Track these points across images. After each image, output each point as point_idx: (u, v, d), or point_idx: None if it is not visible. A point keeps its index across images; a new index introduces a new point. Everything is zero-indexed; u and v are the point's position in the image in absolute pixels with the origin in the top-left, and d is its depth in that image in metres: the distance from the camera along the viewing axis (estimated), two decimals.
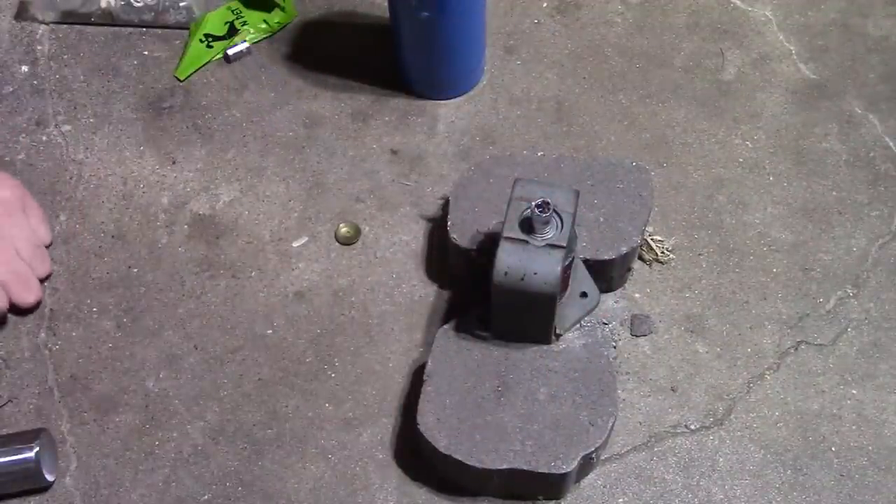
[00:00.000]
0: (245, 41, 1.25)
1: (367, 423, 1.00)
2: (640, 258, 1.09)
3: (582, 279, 1.01)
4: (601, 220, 1.03)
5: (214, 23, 1.26)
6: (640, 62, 1.24)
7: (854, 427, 0.99)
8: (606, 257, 1.01)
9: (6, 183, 1.07)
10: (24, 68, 1.25)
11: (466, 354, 0.97)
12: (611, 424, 0.93)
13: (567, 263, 0.92)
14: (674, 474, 0.97)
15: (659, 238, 1.10)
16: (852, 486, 0.96)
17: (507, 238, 0.91)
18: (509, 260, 0.90)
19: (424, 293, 1.08)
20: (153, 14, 1.27)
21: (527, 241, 0.91)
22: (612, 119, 1.19)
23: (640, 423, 1.00)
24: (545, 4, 1.30)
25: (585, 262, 1.01)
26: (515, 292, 0.90)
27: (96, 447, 0.99)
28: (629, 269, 1.06)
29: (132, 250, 1.11)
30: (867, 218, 1.12)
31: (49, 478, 0.96)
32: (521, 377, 0.95)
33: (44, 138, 1.19)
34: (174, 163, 1.17)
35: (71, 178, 1.16)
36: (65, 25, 1.28)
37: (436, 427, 0.92)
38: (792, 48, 1.25)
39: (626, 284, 1.07)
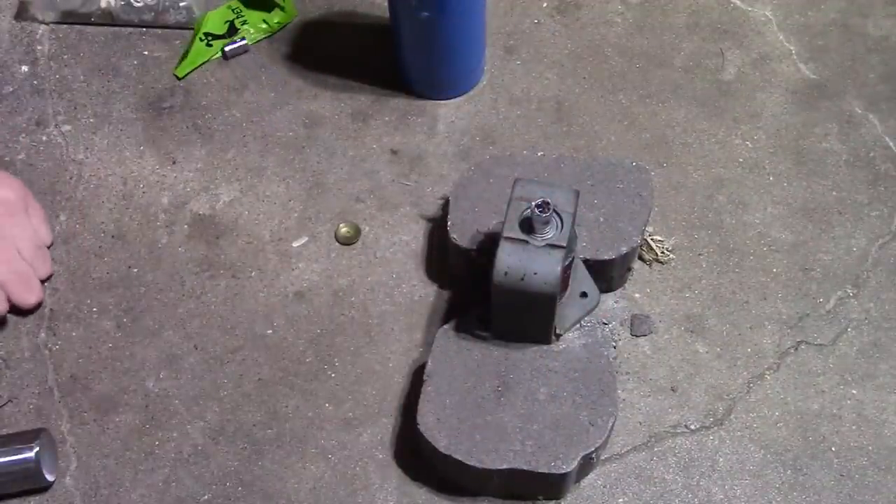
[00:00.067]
0: (243, 38, 1.25)
1: (367, 423, 1.00)
2: (640, 258, 1.09)
3: (582, 279, 1.01)
4: (601, 220, 1.03)
5: (215, 22, 1.26)
6: (640, 62, 1.24)
7: (854, 427, 0.99)
8: (606, 257, 1.01)
9: (8, 183, 1.07)
10: (24, 68, 1.25)
11: (466, 354, 0.97)
12: (611, 424, 0.93)
13: (567, 263, 0.92)
14: (674, 474, 0.97)
15: (659, 238, 1.10)
16: (852, 486, 0.96)
17: (507, 238, 0.91)
18: (509, 260, 0.90)
19: (424, 293, 1.08)
20: (153, 14, 1.27)
21: (527, 241, 0.91)
22: (612, 119, 1.19)
23: (640, 423, 1.00)
24: (545, 4, 1.30)
25: (585, 262, 1.01)
26: (515, 292, 0.90)
27: (96, 447, 0.99)
28: (629, 269, 1.06)
29: (132, 250, 1.11)
30: (867, 218, 1.12)
31: (49, 478, 0.96)
32: (521, 377, 0.95)
33: (44, 138, 1.19)
34: (174, 163, 1.17)
35: (71, 178, 1.16)
36: (65, 25, 1.28)
37: (436, 427, 0.92)
38: (792, 48, 1.25)
39: (626, 284, 1.07)
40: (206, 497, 0.97)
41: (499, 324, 0.96)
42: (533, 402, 0.93)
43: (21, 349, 1.05)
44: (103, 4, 1.27)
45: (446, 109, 1.21)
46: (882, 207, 1.12)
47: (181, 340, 1.05)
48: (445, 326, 0.99)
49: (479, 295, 0.97)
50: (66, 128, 1.20)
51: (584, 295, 1.00)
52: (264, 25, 1.27)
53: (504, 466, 0.90)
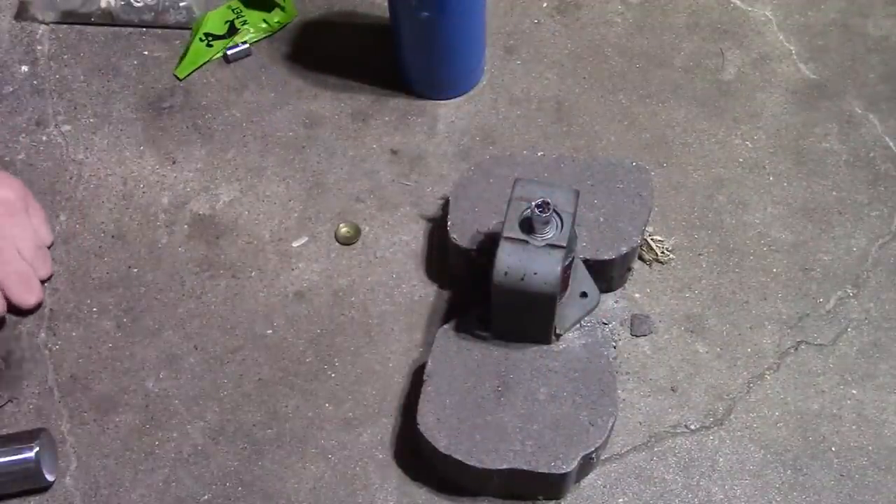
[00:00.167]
0: (245, 42, 1.25)
1: (367, 423, 1.00)
2: (640, 258, 1.09)
3: (582, 279, 1.01)
4: (601, 220, 1.03)
5: (215, 22, 1.26)
6: (640, 62, 1.24)
7: (854, 427, 0.99)
8: (606, 257, 1.01)
9: (8, 183, 1.07)
10: (24, 68, 1.25)
11: (466, 354, 0.97)
12: (611, 424, 0.93)
13: (567, 263, 0.92)
14: (674, 474, 0.97)
15: (659, 238, 1.10)
16: (852, 486, 0.96)
17: (507, 238, 0.91)
18: (509, 260, 0.90)
19: (424, 293, 1.08)
20: (153, 14, 1.27)
21: (527, 241, 0.91)
22: (612, 119, 1.19)
23: (640, 423, 1.00)
24: (545, 4, 1.30)
25: (585, 262, 1.01)
26: (515, 292, 0.90)
27: (96, 447, 0.99)
28: (629, 269, 1.06)
29: (132, 250, 1.11)
30: (867, 218, 1.12)
31: (49, 478, 0.96)
32: (521, 377, 0.95)
33: (44, 138, 1.19)
34: (174, 163, 1.17)
35: (71, 178, 1.16)
36: (65, 25, 1.28)
37: (436, 427, 0.92)
38: (792, 48, 1.25)
39: (626, 284, 1.07)
40: (206, 497, 0.97)
41: (499, 324, 0.96)
42: (533, 402, 0.93)
43: (21, 349, 1.05)
44: (103, 4, 1.27)
45: (446, 109, 1.21)
46: (882, 207, 1.12)
47: (181, 340, 1.05)
48: (445, 326, 0.99)
49: (479, 295, 0.97)
50: (66, 128, 1.20)
51: (584, 295, 1.00)
52: (264, 25, 1.27)
53: (504, 466, 0.90)
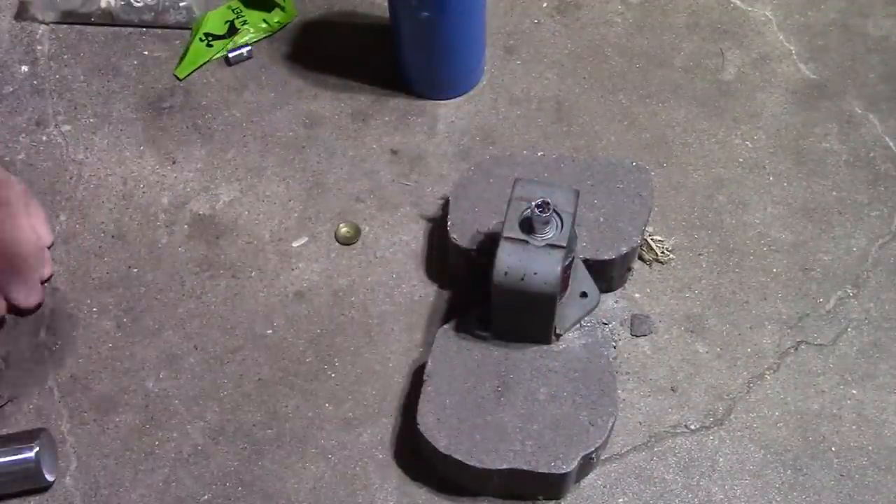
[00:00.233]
0: (248, 45, 1.24)
1: (367, 423, 1.00)
2: (640, 258, 1.09)
3: (582, 279, 1.01)
4: (601, 220, 1.03)
5: (215, 22, 1.26)
6: (640, 62, 1.24)
7: (854, 427, 0.99)
8: (606, 257, 1.01)
9: (8, 183, 1.07)
10: (24, 68, 1.25)
11: (466, 354, 0.97)
12: (611, 424, 0.93)
13: (567, 263, 0.92)
14: (674, 474, 0.97)
15: (659, 238, 1.10)
16: (852, 486, 0.96)
17: (507, 238, 0.91)
18: (509, 260, 0.90)
19: (424, 293, 1.08)
20: (153, 14, 1.27)
21: (527, 241, 0.91)
22: (612, 119, 1.19)
23: (640, 423, 1.00)
24: (545, 4, 1.30)
25: (585, 262, 1.01)
26: (515, 292, 0.90)
27: (96, 447, 0.99)
28: (629, 269, 1.06)
29: (132, 250, 1.11)
30: (867, 218, 1.12)
31: (49, 478, 0.96)
32: (521, 377, 0.95)
33: (44, 138, 1.19)
34: (174, 163, 1.17)
35: (71, 178, 1.16)
36: (65, 25, 1.28)
37: (436, 427, 0.92)
38: (792, 48, 1.25)
39: (626, 284, 1.07)
40: (206, 497, 0.97)
41: (499, 324, 0.96)
42: (533, 402, 0.93)
43: (21, 349, 1.05)
44: (103, 4, 1.27)
45: (446, 109, 1.21)
46: (882, 207, 1.12)
47: (181, 340, 1.05)
48: (445, 326, 0.99)
49: (479, 295, 0.97)
50: (66, 128, 1.20)
51: (584, 295, 1.00)
52: (264, 25, 1.27)
53: (504, 466, 0.90)
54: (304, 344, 1.05)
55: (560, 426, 0.92)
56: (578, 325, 0.99)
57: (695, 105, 1.21)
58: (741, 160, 1.16)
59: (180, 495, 0.97)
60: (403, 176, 1.16)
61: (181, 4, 1.27)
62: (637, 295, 1.07)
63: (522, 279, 0.90)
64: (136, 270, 1.09)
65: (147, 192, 1.15)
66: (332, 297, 1.07)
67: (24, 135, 1.20)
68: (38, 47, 1.27)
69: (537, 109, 1.20)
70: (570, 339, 0.98)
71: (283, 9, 1.28)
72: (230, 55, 1.23)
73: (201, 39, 1.25)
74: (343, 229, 1.12)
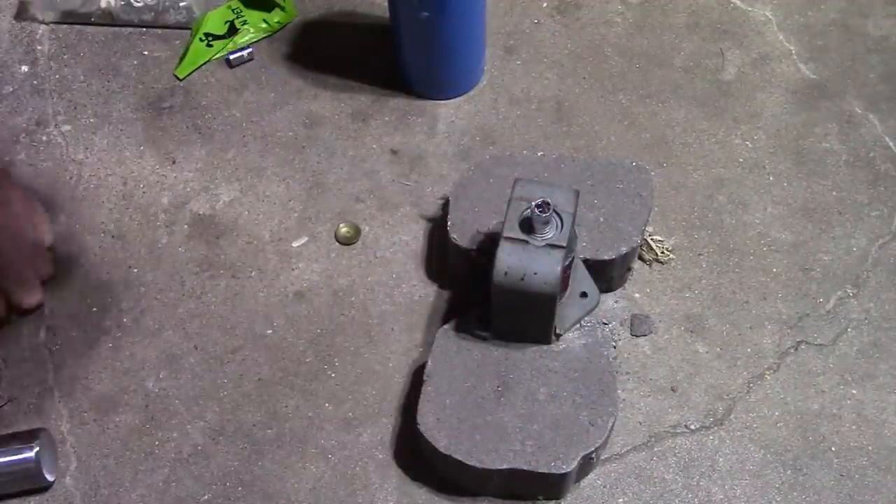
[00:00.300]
0: (249, 47, 1.24)
1: (367, 423, 1.00)
2: (640, 258, 1.09)
3: (582, 279, 1.01)
4: (601, 220, 1.03)
5: (215, 22, 1.26)
6: (640, 62, 1.24)
7: (854, 427, 0.99)
8: (606, 257, 1.01)
9: (8, 183, 1.07)
10: (24, 68, 1.25)
11: (466, 354, 0.97)
12: (611, 424, 0.93)
13: (567, 263, 0.92)
14: (674, 474, 0.97)
15: (659, 238, 1.10)
16: (852, 486, 0.96)
17: (507, 238, 0.91)
18: (509, 260, 0.90)
19: (424, 293, 1.08)
20: (153, 14, 1.27)
21: (527, 241, 0.91)
22: (612, 119, 1.19)
23: (640, 423, 1.00)
24: (545, 4, 1.30)
25: (585, 262, 1.01)
26: (515, 292, 0.90)
27: (96, 447, 0.99)
28: (629, 269, 1.06)
29: (132, 250, 1.11)
30: (867, 218, 1.12)
31: (49, 478, 0.96)
32: (521, 377, 0.95)
33: (44, 138, 1.19)
34: (174, 163, 1.17)
35: (71, 178, 1.16)
36: (65, 25, 1.28)
37: (436, 427, 0.92)
38: (792, 48, 1.25)
39: (626, 284, 1.07)
40: (206, 497, 0.97)
41: (499, 324, 0.96)
42: (533, 402, 0.93)
43: (21, 349, 1.05)
44: (103, 4, 1.27)
45: (446, 109, 1.21)
46: (882, 207, 1.12)
47: (181, 340, 1.05)
48: (445, 326, 0.99)
49: (479, 295, 0.97)
50: (66, 128, 1.20)
51: (584, 295, 1.00)
52: (264, 25, 1.27)
53: (504, 466, 0.90)
54: (304, 344, 1.05)
55: (560, 426, 0.92)
56: (578, 325, 0.99)
57: (695, 105, 1.21)
58: (741, 160, 1.16)
59: (180, 495, 0.97)
60: (403, 176, 1.16)
61: (181, 4, 1.27)
62: (637, 295, 1.07)
63: (522, 279, 0.90)
64: (136, 270, 1.09)
65: (147, 192, 1.15)
66: (332, 297, 1.07)
67: (24, 135, 1.20)
68: (38, 47, 1.27)
69: (537, 109, 1.20)
70: (570, 339, 0.98)
71: (283, 9, 1.28)
72: (231, 57, 1.23)
73: (201, 39, 1.25)
74: (343, 229, 1.12)
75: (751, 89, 1.22)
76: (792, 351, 1.04)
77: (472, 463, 0.90)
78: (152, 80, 1.24)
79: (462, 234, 1.02)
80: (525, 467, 0.90)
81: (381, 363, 1.03)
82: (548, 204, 0.89)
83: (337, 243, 1.11)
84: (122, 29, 1.28)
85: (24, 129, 1.20)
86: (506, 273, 0.90)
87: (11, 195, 1.06)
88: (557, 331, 0.97)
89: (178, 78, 1.23)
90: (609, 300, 1.06)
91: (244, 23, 1.27)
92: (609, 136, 1.18)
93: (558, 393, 0.94)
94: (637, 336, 1.04)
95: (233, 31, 1.26)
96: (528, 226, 0.91)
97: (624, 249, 1.01)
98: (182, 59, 1.24)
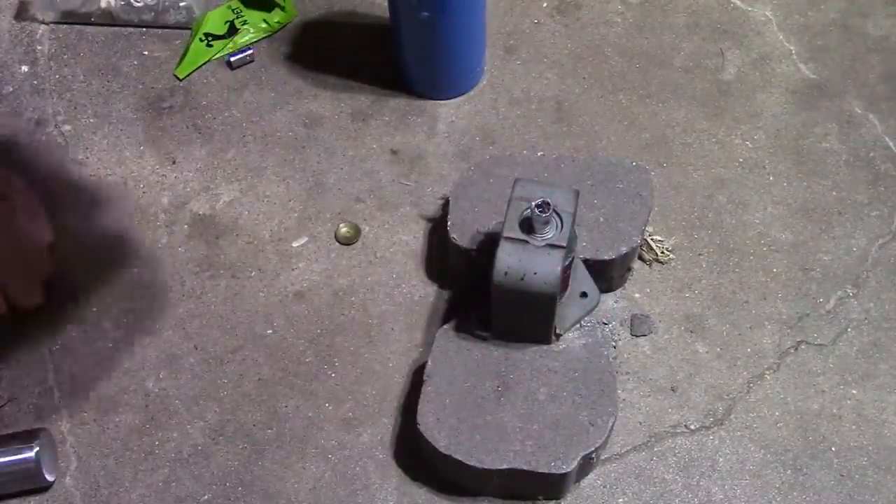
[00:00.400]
0: (250, 49, 1.24)
1: (367, 423, 1.00)
2: (640, 258, 1.09)
3: (582, 279, 1.01)
4: (601, 220, 1.03)
5: (215, 22, 1.26)
6: (640, 62, 1.24)
7: (854, 427, 0.99)
8: (606, 257, 1.01)
9: (9, 183, 1.07)
10: (24, 68, 1.25)
11: (466, 354, 0.97)
12: (611, 424, 0.93)
13: (567, 263, 0.92)
14: (674, 474, 0.97)
15: (659, 238, 1.10)
16: (852, 486, 0.96)
17: (507, 238, 0.91)
18: (509, 260, 0.90)
19: (424, 293, 1.08)
20: (153, 14, 1.27)
21: (527, 241, 0.91)
22: (612, 119, 1.19)
23: (640, 423, 1.00)
24: (545, 4, 1.30)
25: (585, 262, 1.01)
26: (515, 292, 0.90)
27: (96, 447, 0.99)
28: (629, 269, 1.06)
29: (132, 250, 1.11)
30: (867, 218, 1.12)
31: (49, 478, 0.96)
32: (521, 377, 0.95)
33: (44, 138, 1.19)
34: (174, 163, 1.17)
35: (71, 178, 1.16)
36: (65, 25, 1.28)
37: (436, 427, 0.92)
38: (792, 48, 1.25)
39: (626, 284, 1.07)
40: (206, 497, 0.97)
41: (499, 324, 0.96)
42: (533, 402, 0.93)
43: (21, 349, 1.05)
44: (103, 4, 1.27)
45: (446, 109, 1.21)
46: (882, 207, 1.12)
47: (181, 340, 1.05)
48: (445, 326, 0.99)
49: (479, 295, 0.97)
50: (66, 128, 1.20)
51: (584, 295, 1.00)
52: (264, 25, 1.27)
53: (504, 466, 0.90)
54: (304, 344, 1.05)
55: (560, 426, 0.92)
56: (578, 325, 0.99)
57: (695, 105, 1.21)
58: (741, 160, 1.16)
59: (180, 495, 0.97)
60: (403, 176, 1.16)
61: (181, 4, 1.27)
62: (637, 295, 1.07)
63: (522, 279, 0.90)
64: (136, 270, 1.09)
65: (147, 192, 1.15)
66: (332, 297, 1.07)
67: (24, 135, 1.19)
68: (38, 47, 1.27)
69: (537, 109, 1.20)
70: (570, 339, 0.98)
71: (283, 9, 1.28)
72: (232, 59, 1.23)
73: (201, 39, 1.25)
74: (343, 229, 1.12)
75: (751, 89, 1.22)
76: (792, 351, 1.04)
77: (472, 463, 0.90)
78: (152, 80, 1.24)
79: (462, 234, 1.02)
80: (525, 467, 0.90)
81: (381, 363, 1.03)
82: (548, 204, 0.89)
83: (337, 243, 1.11)
84: (122, 29, 1.28)
85: (24, 129, 1.20)
86: (506, 273, 0.90)
87: (12, 195, 1.06)
88: (557, 331, 0.97)
89: (178, 78, 1.23)
90: (609, 300, 1.06)
91: (244, 23, 1.27)
92: (609, 136, 1.18)
93: (558, 393, 0.94)
94: (637, 336, 1.04)
95: (233, 31, 1.26)
96: (528, 226, 0.91)
97: (624, 249, 1.01)
98: (182, 59, 1.24)
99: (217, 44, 1.25)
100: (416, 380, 1.00)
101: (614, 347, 1.03)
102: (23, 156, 1.18)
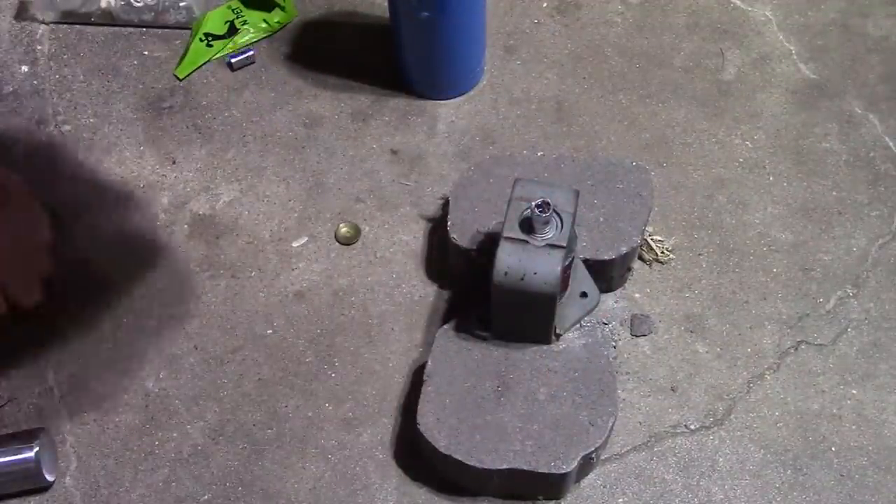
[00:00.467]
0: (250, 50, 1.24)
1: (367, 423, 1.00)
2: (640, 258, 1.09)
3: (582, 279, 1.01)
4: (601, 220, 1.03)
5: (215, 21, 1.26)
6: (640, 62, 1.24)
7: (854, 427, 0.99)
8: (606, 257, 1.01)
9: (9, 182, 1.06)
10: (24, 68, 1.25)
11: (466, 354, 0.97)
12: (611, 424, 0.93)
13: (567, 263, 0.92)
14: (674, 474, 0.97)
15: (659, 238, 1.10)
16: (852, 486, 0.96)
17: (507, 238, 0.91)
18: (509, 260, 0.90)
19: (424, 293, 1.08)
20: (153, 14, 1.27)
21: (527, 241, 0.91)
22: (612, 119, 1.19)
23: (640, 423, 1.00)
24: (545, 4, 1.30)
25: (585, 262, 1.01)
26: (515, 292, 0.90)
27: (96, 447, 0.99)
28: (629, 269, 1.06)
29: (132, 250, 1.11)
30: (867, 218, 1.12)
31: (49, 478, 0.96)
32: (521, 377, 0.95)
33: (44, 138, 1.19)
34: (174, 163, 1.17)
35: (71, 178, 1.16)
36: (65, 25, 1.28)
37: (436, 427, 0.92)
38: (792, 48, 1.25)
39: (626, 284, 1.07)
40: (206, 497, 0.97)
41: (499, 324, 0.96)
42: (533, 402, 0.93)
43: (21, 349, 1.05)
44: (103, 4, 1.27)
45: (446, 109, 1.21)
46: (882, 207, 1.12)
47: (181, 340, 1.05)
48: (445, 326, 0.99)
49: (479, 295, 0.97)
50: (66, 128, 1.20)
51: (584, 295, 1.00)
52: (264, 25, 1.27)
53: (504, 466, 0.90)
54: (304, 344, 1.05)
55: (560, 426, 0.92)
56: (578, 325, 0.99)
57: (695, 105, 1.21)
58: (741, 160, 1.16)
59: (180, 495, 0.97)
60: (403, 176, 1.16)
61: (181, 4, 1.27)
62: (637, 295, 1.07)
63: (522, 279, 0.90)
64: (136, 270, 1.09)
65: (147, 192, 1.15)
66: (332, 297, 1.07)
67: (24, 135, 1.19)
68: (38, 47, 1.27)
69: (537, 109, 1.20)
70: (570, 339, 0.98)
71: (283, 9, 1.28)
72: (233, 60, 1.23)
73: (201, 39, 1.25)
74: (343, 229, 1.12)
75: (751, 89, 1.22)
76: (792, 351, 1.04)
77: (472, 463, 0.90)
78: (152, 80, 1.24)
79: (462, 234, 1.02)
80: (525, 467, 0.90)
81: (381, 363, 1.03)
82: (548, 204, 0.89)
83: (337, 243, 1.11)
84: (122, 29, 1.28)
85: (24, 129, 1.20)
86: (506, 273, 0.90)
87: (11, 194, 1.06)
88: (557, 331, 0.97)
89: (178, 78, 1.23)
90: (609, 300, 1.06)
91: (244, 23, 1.27)
92: (609, 136, 1.18)
93: (558, 393, 0.94)
94: (637, 336, 1.04)
95: (233, 31, 1.26)
96: (528, 226, 0.91)
97: (624, 249, 1.01)
98: (182, 59, 1.24)
99: (217, 44, 1.25)
100: (416, 380, 1.00)
101: (614, 347, 1.03)
102: (23, 156, 1.18)
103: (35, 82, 1.24)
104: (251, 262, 1.10)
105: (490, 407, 0.93)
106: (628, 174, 1.06)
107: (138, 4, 1.27)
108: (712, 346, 1.04)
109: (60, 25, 1.29)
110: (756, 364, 1.03)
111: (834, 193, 1.14)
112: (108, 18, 1.28)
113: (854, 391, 1.01)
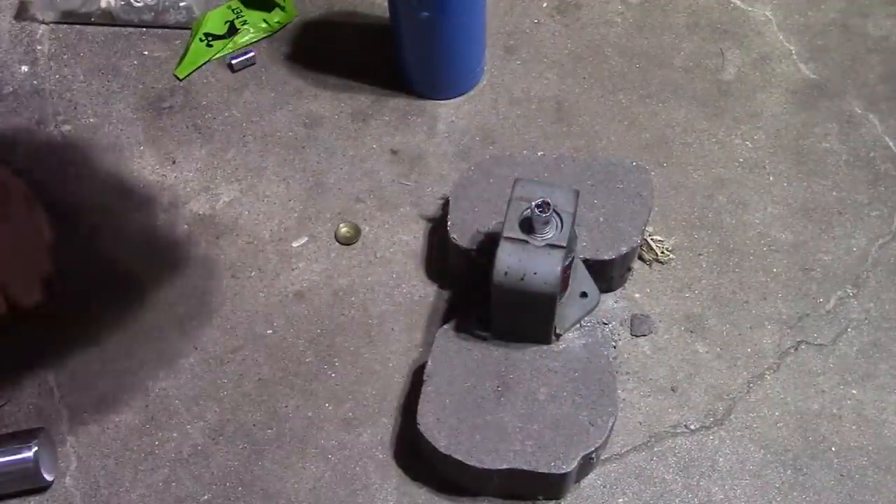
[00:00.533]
0: (251, 51, 1.24)
1: (367, 423, 1.00)
2: (640, 258, 1.09)
3: (582, 279, 1.01)
4: (601, 220, 1.03)
5: (215, 21, 1.26)
6: (640, 62, 1.24)
7: (854, 427, 0.99)
8: (606, 257, 1.01)
9: (8, 182, 1.06)
10: (24, 68, 1.25)
11: (466, 354, 0.97)
12: (611, 424, 0.93)
13: (567, 263, 0.92)
14: (674, 474, 0.97)
15: (659, 238, 1.10)
16: (852, 486, 0.96)
17: (507, 238, 0.91)
18: (509, 260, 0.90)
19: (424, 293, 1.08)
20: (153, 14, 1.27)
21: (527, 241, 0.91)
22: (612, 119, 1.19)
23: (640, 423, 1.00)
24: (545, 4, 1.30)
25: (585, 262, 1.01)
26: (515, 292, 0.90)
27: (96, 447, 0.99)
28: (629, 269, 1.06)
29: (132, 251, 1.11)
30: (867, 218, 1.12)
31: (48, 478, 0.96)
32: (521, 377, 0.95)
33: (44, 138, 1.19)
34: (174, 163, 1.17)
35: (71, 178, 1.16)
36: (65, 25, 1.28)
37: (436, 427, 0.92)
38: (792, 48, 1.25)
39: (626, 284, 1.07)
40: (206, 497, 0.97)
41: (499, 324, 0.96)
42: (533, 402, 0.93)
43: (21, 349, 1.05)
44: (103, 4, 1.27)
45: (446, 109, 1.21)
46: (882, 207, 1.12)
47: (181, 340, 1.05)
48: (445, 326, 0.99)
49: (479, 295, 0.97)
50: (66, 128, 1.20)
51: (584, 295, 1.00)
52: (264, 25, 1.27)
53: (504, 466, 0.90)
54: (304, 344, 1.05)
55: (560, 426, 0.92)
56: (578, 325, 0.99)
57: (695, 105, 1.21)
58: (741, 160, 1.16)
59: (180, 495, 0.97)
60: (403, 176, 1.16)
61: (181, 4, 1.27)
62: (637, 295, 1.07)
63: (522, 279, 0.90)
64: (136, 270, 1.09)
65: (147, 192, 1.15)
66: (332, 297, 1.07)
67: (24, 135, 1.19)
68: (38, 47, 1.27)
69: (537, 109, 1.20)
70: (570, 339, 0.98)
71: (283, 9, 1.28)
72: (234, 61, 1.23)
73: (201, 39, 1.25)
74: (343, 229, 1.12)
75: (751, 89, 1.22)
76: (792, 351, 1.04)
77: (472, 463, 0.90)
78: (152, 80, 1.24)
79: (462, 234, 1.02)
80: (525, 467, 0.90)
81: (381, 363, 1.03)
82: (548, 204, 0.89)
83: (337, 243, 1.11)
84: (122, 29, 1.28)
85: (24, 129, 1.20)
86: (506, 273, 0.90)
87: (11, 194, 1.06)
88: (557, 331, 0.97)
89: (178, 78, 1.23)
90: (609, 300, 1.06)
91: (244, 23, 1.27)
92: (609, 136, 1.18)
93: (558, 393, 0.94)
94: (637, 336, 1.04)
95: (233, 31, 1.26)
96: (528, 226, 0.91)
97: (624, 249, 1.01)
98: (182, 59, 1.24)
99: (217, 44, 1.25)
100: (416, 380, 1.00)
101: (614, 347, 1.03)
102: (23, 156, 1.18)
103: (35, 82, 1.24)
104: (251, 262, 1.10)
105: (490, 407, 0.93)
106: (628, 174, 1.06)
107: (138, 4, 1.27)
108: (712, 346, 1.04)
109: (60, 25, 1.29)
110: (756, 364, 1.03)
111: (834, 193, 1.14)
112: (108, 18, 1.28)
113: (854, 391, 1.01)
